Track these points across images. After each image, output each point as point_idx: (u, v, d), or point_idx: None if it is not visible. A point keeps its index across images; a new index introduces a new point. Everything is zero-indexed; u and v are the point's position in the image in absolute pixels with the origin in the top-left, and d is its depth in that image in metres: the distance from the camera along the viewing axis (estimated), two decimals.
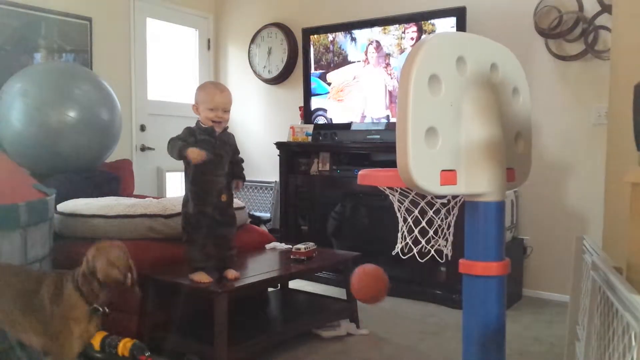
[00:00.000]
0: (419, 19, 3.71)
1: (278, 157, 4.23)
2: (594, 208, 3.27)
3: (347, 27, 4.04)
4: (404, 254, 1.52)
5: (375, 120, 3.92)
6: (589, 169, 3.38)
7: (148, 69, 4.60)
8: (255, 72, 4.90)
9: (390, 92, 3.85)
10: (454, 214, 1.53)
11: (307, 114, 4.27)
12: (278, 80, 4.79)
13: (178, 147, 2.38)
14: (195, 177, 2.46)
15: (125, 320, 2.46)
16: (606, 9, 3.20)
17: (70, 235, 2.82)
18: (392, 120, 3.80)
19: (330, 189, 3.97)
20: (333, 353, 2.65)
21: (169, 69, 4.84)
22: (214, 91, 2.44)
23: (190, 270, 2.43)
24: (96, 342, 2.13)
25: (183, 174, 2.55)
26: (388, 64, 3.85)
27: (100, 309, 1.87)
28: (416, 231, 1.47)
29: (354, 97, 4.03)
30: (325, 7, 4.48)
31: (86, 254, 1.89)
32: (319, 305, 3.05)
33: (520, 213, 3.62)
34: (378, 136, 3.81)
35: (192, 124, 2.51)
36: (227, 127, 2.57)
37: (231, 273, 2.46)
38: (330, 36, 4.12)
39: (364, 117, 3.97)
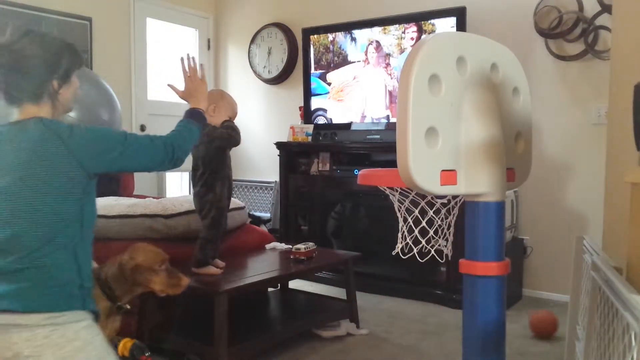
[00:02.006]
0: (419, 19, 3.71)
1: (278, 157, 4.22)
2: (594, 208, 3.27)
3: (347, 27, 4.04)
4: (404, 254, 1.52)
5: (375, 120, 3.92)
6: (589, 169, 3.38)
7: (148, 69, 4.60)
8: (255, 72, 4.90)
9: (390, 92, 3.85)
10: (454, 214, 1.53)
11: (307, 114, 4.27)
12: (278, 80, 4.79)
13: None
14: (221, 170, 2.56)
15: (125, 320, 2.46)
16: (606, 9, 3.20)
17: None
18: (392, 120, 3.80)
19: (330, 189, 3.97)
20: (333, 353, 2.65)
21: (169, 69, 4.84)
22: (234, 102, 2.73)
23: (196, 265, 2.50)
24: (125, 348, 2.15)
25: (195, 173, 2.58)
26: (388, 64, 3.85)
27: (124, 307, 1.83)
28: (416, 231, 1.47)
29: (354, 97, 4.03)
30: (325, 7, 4.48)
31: (122, 255, 1.82)
32: (319, 305, 3.05)
33: (520, 213, 3.62)
34: (378, 136, 3.81)
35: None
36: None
37: (219, 262, 2.58)
38: (330, 36, 4.12)
39: (364, 117, 3.97)
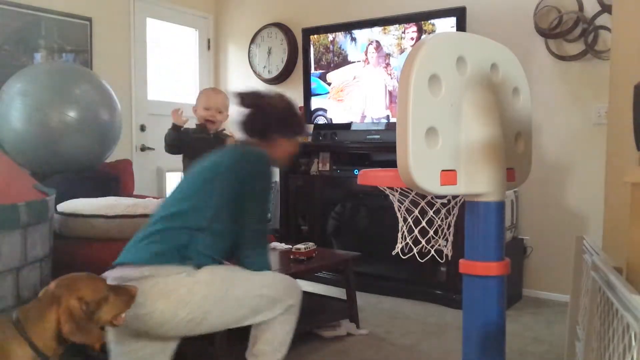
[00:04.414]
0: (419, 19, 3.71)
1: None
2: (594, 208, 3.27)
3: (347, 27, 4.04)
4: (404, 254, 1.52)
5: (375, 120, 3.92)
6: (589, 169, 3.38)
7: (148, 69, 4.60)
8: (255, 72, 4.90)
9: (390, 92, 3.85)
10: (454, 214, 1.53)
11: (307, 114, 4.27)
12: (278, 80, 4.79)
13: (167, 134, 2.74)
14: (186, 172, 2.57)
15: None
16: (606, 9, 3.20)
17: (70, 235, 2.82)
18: (392, 120, 3.80)
19: (330, 189, 3.97)
20: (333, 353, 2.65)
21: (169, 69, 4.84)
22: (210, 93, 2.76)
23: None
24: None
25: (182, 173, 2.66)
26: (388, 64, 3.85)
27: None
28: (416, 231, 1.47)
29: (354, 97, 4.03)
30: (325, 7, 4.48)
31: (48, 305, 1.45)
32: (319, 305, 3.05)
33: (520, 213, 3.62)
34: (378, 136, 3.81)
35: (192, 125, 2.63)
36: (224, 129, 2.70)
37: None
38: (330, 36, 4.12)
39: (364, 117, 3.97)
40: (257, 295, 1.84)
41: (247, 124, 2.03)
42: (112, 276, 1.72)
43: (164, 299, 1.65)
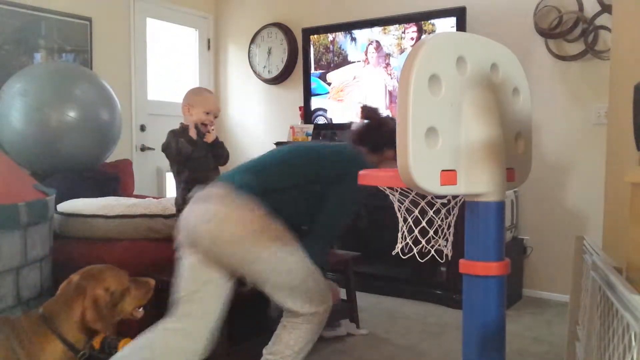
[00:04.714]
0: (419, 19, 3.71)
1: None
2: (594, 208, 3.27)
3: (347, 27, 4.04)
4: (404, 254, 1.52)
5: None
6: (589, 169, 3.38)
7: (148, 69, 4.60)
8: (255, 72, 4.90)
9: (390, 92, 3.85)
10: (454, 214, 1.53)
11: (307, 114, 4.27)
12: (278, 80, 4.79)
13: (177, 142, 2.53)
14: (189, 176, 2.54)
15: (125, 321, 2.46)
16: (606, 9, 3.20)
17: (70, 235, 2.82)
18: None
19: None
20: (333, 353, 2.65)
21: (169, 69, 4.84)
22: (209, 96, 2.67)
23: None
24: (96, 342, 2.11)
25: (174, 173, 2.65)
26: (388, 64, 3.85)
27: (87, 352, 1.56)
28: (416, 231, 1.47)
29: (354, 97, 4.03)
30: (325, 7, 4.48)
31: (74, 296, 1.50)
32: None
33: (520, 213, 3.62)
34: None
35: (176, 125, 2.63)
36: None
37: None
38: (330, 36, 4.12)
39: None
40: (303, 280, 1.89)
41: (363, 133, 2.15)
42: (201, 191, 1.93)
43: (239, 225, 1.82)
